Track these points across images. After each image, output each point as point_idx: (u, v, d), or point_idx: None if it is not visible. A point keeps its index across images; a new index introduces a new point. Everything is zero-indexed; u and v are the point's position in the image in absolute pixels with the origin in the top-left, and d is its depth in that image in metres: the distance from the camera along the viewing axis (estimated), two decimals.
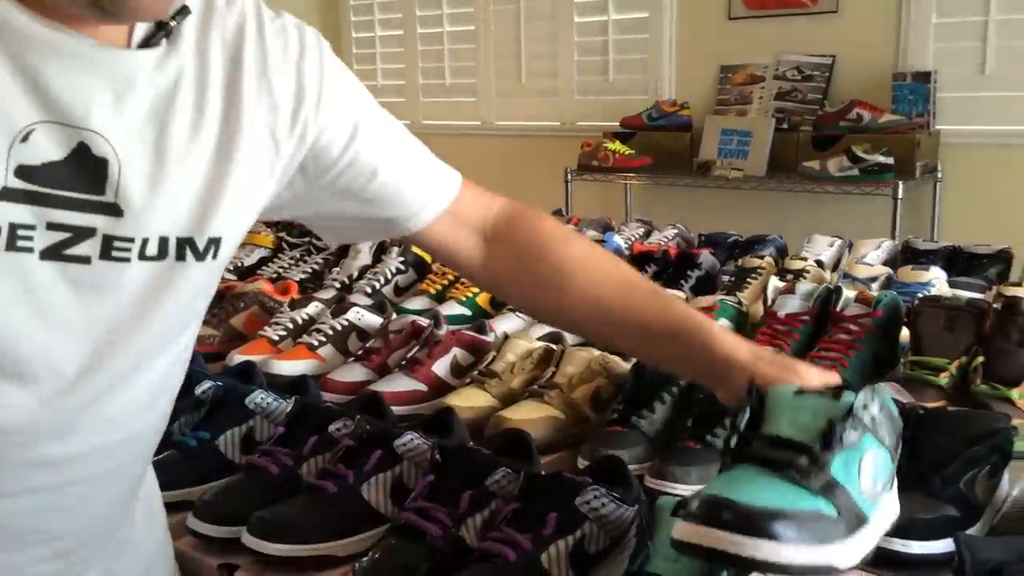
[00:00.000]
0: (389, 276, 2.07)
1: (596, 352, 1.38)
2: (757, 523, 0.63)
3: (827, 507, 0.67)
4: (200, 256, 0.78)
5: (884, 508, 0.74)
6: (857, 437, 0.72)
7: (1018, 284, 1.74)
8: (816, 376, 0.82)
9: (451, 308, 1.85)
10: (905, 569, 0.90)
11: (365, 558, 0.89)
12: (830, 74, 3.53)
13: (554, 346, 1.42)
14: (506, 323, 1.74)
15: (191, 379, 1.22)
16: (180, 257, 0.76)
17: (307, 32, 0.86)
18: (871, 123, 3.25)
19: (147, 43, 0.74)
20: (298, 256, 2.30)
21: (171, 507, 1.03)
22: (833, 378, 0.83)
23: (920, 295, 1.52)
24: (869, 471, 0.72)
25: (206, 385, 1.21)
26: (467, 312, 1.85)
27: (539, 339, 1.52)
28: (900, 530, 0.93)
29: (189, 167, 0.76)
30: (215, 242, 0.79)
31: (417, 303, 1.92)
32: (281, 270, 2.24)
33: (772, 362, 0.85)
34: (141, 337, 0.77)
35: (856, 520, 0.69)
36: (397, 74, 4.93)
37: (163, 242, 0.75)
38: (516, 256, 0.97)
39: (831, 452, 0.69)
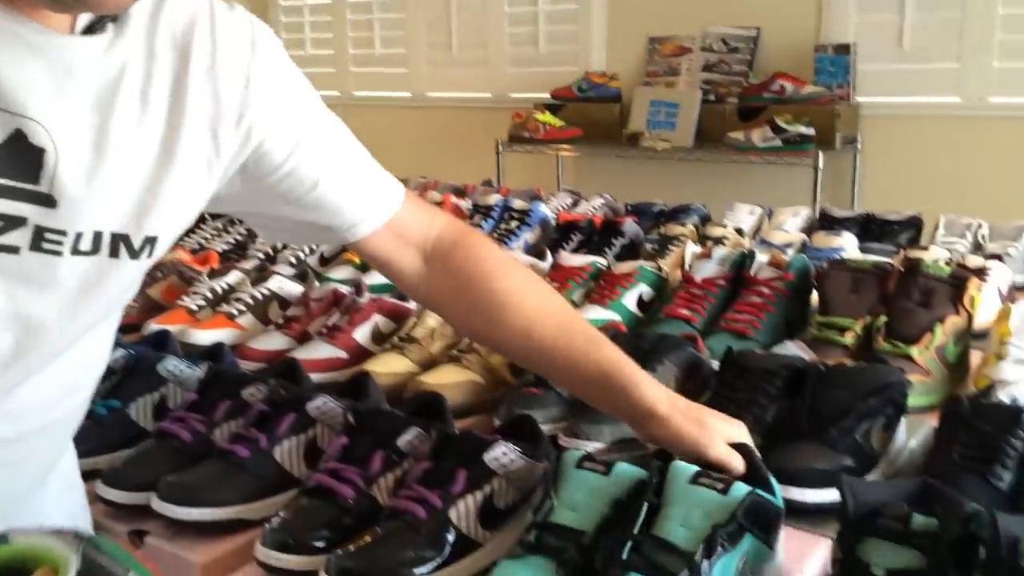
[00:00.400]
0: (314, 246, 2.05)
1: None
2: None
3: None
4: (135, 254, 0.76)
5: None
6: (737, 539, 0.75)
7: (925, 248, 1.81)
8: (722, 436, 0.88)
9: (376, 277, 1.84)
10: (802, 517, 0.93)
11: (275, 519, 0.89)
12: (755, 46, 3.58)
13: None
14: None
15: None
16: (114, 254, 0.74)
17: (260, 30, 0.83)
18: (794, 94, 3.32)
19: (92, 30, 0.71)
20: (221, 227, 2.26)
21: (83, 476, 1.02)
22: (738, 434, 0.89)
23: (829, 259, 1.57)
24: (745, 568, 0.75)
25: (117, 354, 1.19)
26: (391, 282, 1.85)
27: None
28: (798, 480, 0.98)
29: (130, 162, 0.74)
30: (151, 241, 0.77)
31: (341, 272, 1.91)
32: (204, 241, 2.21)
33: (686, 416, 0.89)
34: (65, 331, 0.75)
35: None
36: (326, 43, 4.85)
37: (97, 237, 0.73)
38: (453, 281, 0.97)
39: (711, 560, 0.73)
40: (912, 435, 1.14)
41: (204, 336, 1.50)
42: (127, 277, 0.78)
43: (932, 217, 2.11)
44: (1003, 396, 1.04)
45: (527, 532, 0.81)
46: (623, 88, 3.80)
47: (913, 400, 1.25)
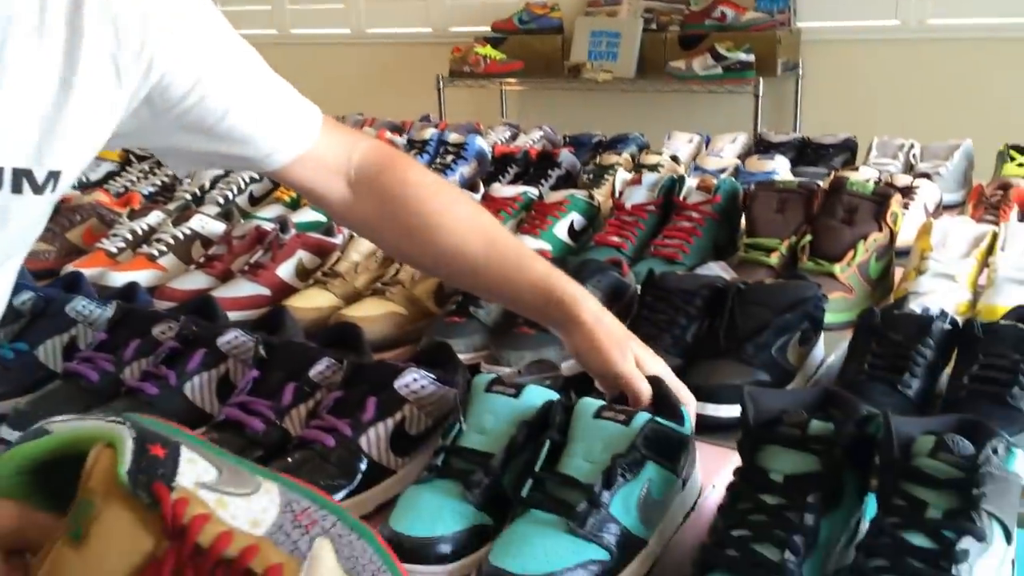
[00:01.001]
0: (243, 185, 2.00)
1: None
2: None
3: (599, 552, 0.71)
4: (38, 189, 0.74)
5: (668, 516, 0.78)
6: (638, 468, 0.75)
7: (855, 169, 1.82)
8: (637, 358, 0.89)
9: (305, 215, 1.81)
10: (718, 432, 0.94)
11: None
12: None
13: None
14: None
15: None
16: (16, 189, 0.72)
17: None
18: (734, 21, 3.29)
19: None
20: (147, 169, 2.20)
21: None
22: (654, 365, 0.89)
23: (752, 182, 1.57)
24: (649, 497, 0.75)
25: (25, 296, 1.15)
26: (323, 219, 1.81)
27: None
28: (713, 396, 0.98)
29: (27, 95, 0.71)
30: (55, 175, 0.75)
31: (270, 211, 1.87)
32: (129, 184, 2.14)
33: (609, 332, 0.90)
34: None
35: (633, 548, 0.73)
36: None
37: None
38: (381, 205, 0.96)
39: (611, 491, 0.73)
40: (832, 350, 1.15)
41: (122, 278, 1.46)
42: (31, 213, 0.76)
43: (870, 140, 2.12)
44: (915, 307, 1.05)
45: (435, 456, 0.80)
46: (565, 19, 3.73)
47: (835, 316, 1.27)
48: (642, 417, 0.77)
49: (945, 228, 1.32)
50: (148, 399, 0.96)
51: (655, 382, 0.86)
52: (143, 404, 0.95)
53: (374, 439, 0.86)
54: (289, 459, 0.85)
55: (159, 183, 2.12)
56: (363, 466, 0.85)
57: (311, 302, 1.30)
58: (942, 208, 1.76)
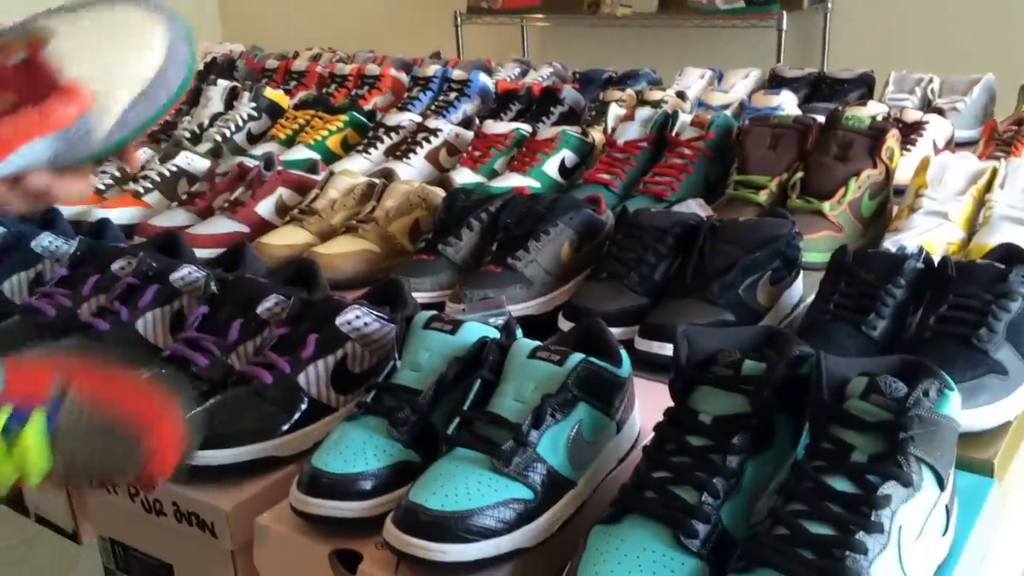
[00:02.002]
0: (240, 123, 1.99)
1: (416, 184, 1.35)
2: (444, 528, 0.65)
3: (522, 491, 0.69)
4: None
5: (600, 458, 0.75)
6: (569, 408, 0.72)
7: (863, 104, 1.74)
8: None
9: (298, 152, 1.79)
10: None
11: None
12: None
13: (377, 181, 1.38)
14: (349, 163, 1.70)
15: None
16: None
17: None
18: None
19: None
20: None
21: None
22: None
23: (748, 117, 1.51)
24: (579, 438, 0.73)
25: None
26: (315, 156, 1.79)
27: (371, 175, 1.49)
28: (669, 336, 0.95)
29: None
30: None
31: (265, 149, 1.86)
32: None
33: None
34: None
35: (559, 489, 0.71)
36: None
37: None
38: None
39: (540, 430, 0.70)
40: (813, 291, 1.11)
41: (109, 215, 1.46)
42: None
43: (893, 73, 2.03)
44: (889, 245, 1.00)
45: (366, 393, 0.79)
46: None
47: (822, 256, 1.21)
48: (576, 357, 0.74)
49: (943, 164, 1.26)
50: (99, 335, 0.95)
51: (595, 324, 0.83)
52: (94, 339, 0.95)
53: (313, 376, 0.85)
54: (227, 395, 0.84)
55: (160, 123, 2.11)
56: (303, 404, 0.84)
57: (285, 239, 1.29)
58: (955, 145, 1.69)
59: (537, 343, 0.78)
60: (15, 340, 0.98)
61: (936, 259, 0.99)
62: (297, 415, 0.83)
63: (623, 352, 0.81)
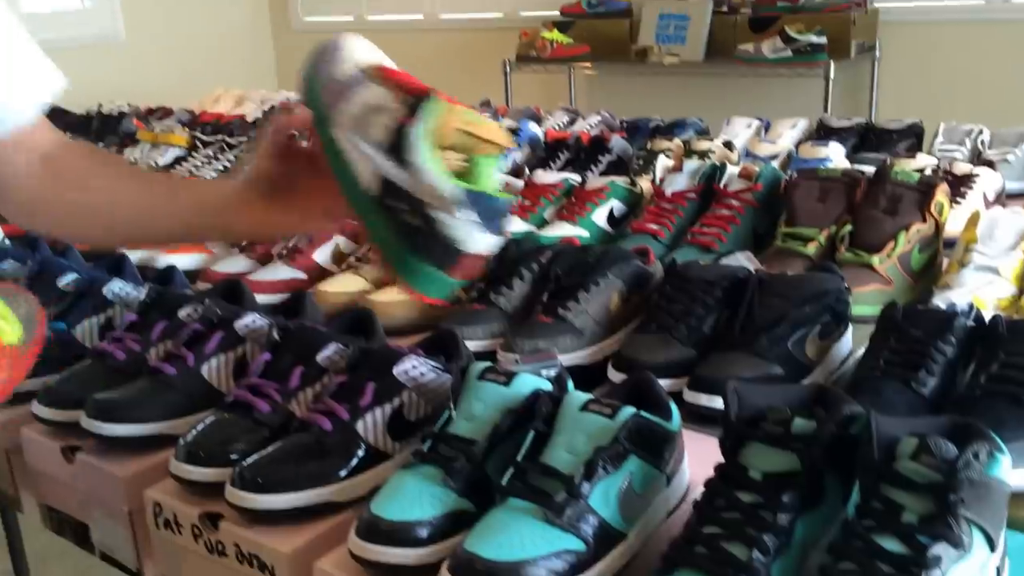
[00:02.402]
0: None
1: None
2: None
3: (574, 542, 0.71)
4: None
5: (650, 511, 0.77)
6: (620, 461, 0.74)
7: (912, 156, 1.75)
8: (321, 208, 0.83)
9: None
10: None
11: (190, 434, 0.91)
12: None
13: None
14: None
15: (55, 273, 1.23)
16: None
17: None
18: (807, 2, 3.19)
19: None
20: (211, 154, 2.27)
21: (27, 396, 1.05)
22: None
23: (796, 169, 1.52)
24: (630, 491, 0.74)
25: (69, 278, 1.21)
26: None
27: None
28: (718, 388, 0.96)
29: None
30: None
31: None
32: (194, 168, 2.22)
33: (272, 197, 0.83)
34: None
35: (609, 542, 0.73)
36: None
37: None
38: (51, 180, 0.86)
39: (591, 482, 0.72)
40: (860, 345, 1.11)
41: (170, 261, 1.51)
42: None
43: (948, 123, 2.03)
44: (939, 301, 1.01)
45: (422, 442, 0.81)
46: (634, 2, 3.68)
47: (871, 309, 1.22)
48: (627, 411, 0.76)
49: (994, 219, 1.26)
50: (167, 379, 0.99)
51: (644, 378, 0.84)
52: (162, 384, 0.99)
53: (371, 424, 0.88)
54: (288, 441, 0.87)
55: (223, 166, 2.19)
56: (360, 450, 0.86)
57: (341, 287, 1.33)
58: (1005, 197, 1.68)
59: (589, 396, 0.80)
60: (87, 382, 1.02)
61: (987, 316, 0.99)
62: (355, 461, 0.86)
63: (673, 405, 0.82)
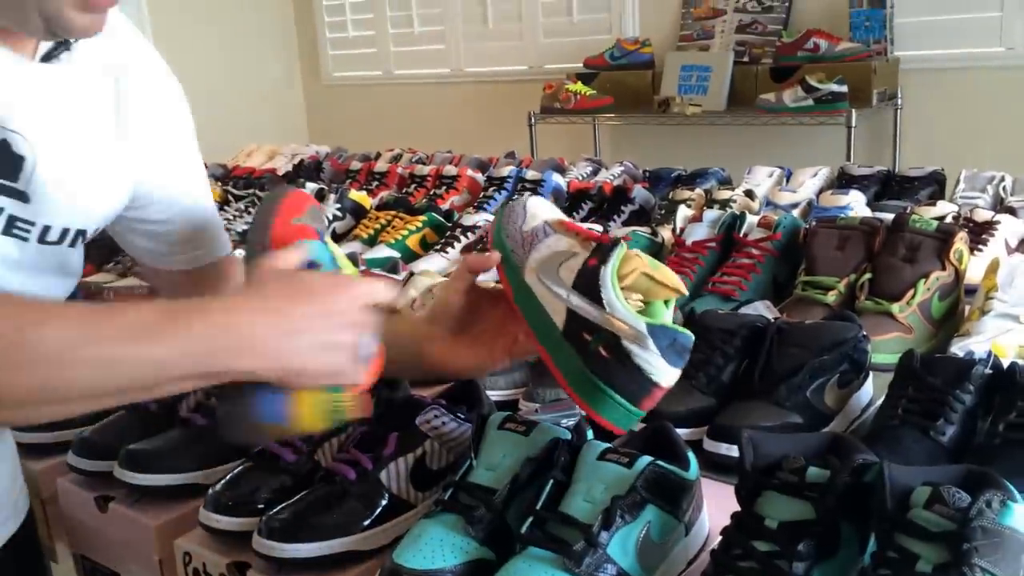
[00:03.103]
0: (326, 223, 2.10)
1: (492, 284, 1.41)
2: None
3: None
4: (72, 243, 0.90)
5: (668, 559, 0.79)
6: (638, 510, 0.75)
7: (932, 204, 1.76)
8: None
9: (380, 251, 1.88)
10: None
11: (220, 483, 0.93)
12: (789, 4, 3.49)
13: None
14: (428, 263, 1.77)
15: None
16: (72, 244, 0.89)
17: (173, 81, 0.99)
18: (828, 52, 3.22)
19: (48, 58, 0.84)
20: (243, 208, 2.33)
21: (64, 447, 1.08)
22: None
23: (816, 218, 1.54)
24: (648, 539, 0.76)
25: None
26: (396, 254, 1.88)
27: (447, 275, 1.55)
28: (737, 437, 0.97)
29: (90, 170, 0.89)
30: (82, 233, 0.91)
31: (349, 248, 1.95)
32: (226, 222, 2.27)
33: None
34: None
35: None
36: (367, 24, 4.90)
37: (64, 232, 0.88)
38: None
39: (610, 531, 0.74)
40: (883, 393, 1.12)
41: None
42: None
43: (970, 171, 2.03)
44: (957, 349, 1.01)
45: (444, 491, 0.83)
46: (656, 54, 3.74)
47: (893, 357, 1.21)
48: (644, 460, 0.77)
49: (1014, 266, 1.27)
50: (198, 431, 1.02)
51: (663, 427, 0.86)
52: (191, 435, 1.02)
53: (394, 473, 0.89)
54: (314, 490, 0.89)
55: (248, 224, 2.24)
56: (383, 500, 0.88)
57: None
58: None
59: (606, 445, 0.81)
60: (120, 433, 1.05)
61: (1006, 363, 1.00)
62: (378, 511, 0.88)
63: (691, 454, 0.83)
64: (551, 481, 0.79)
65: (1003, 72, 3.15)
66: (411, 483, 0.90)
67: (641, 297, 0.82)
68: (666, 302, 0.82)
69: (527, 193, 2.18)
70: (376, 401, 0.96)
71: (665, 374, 0.79)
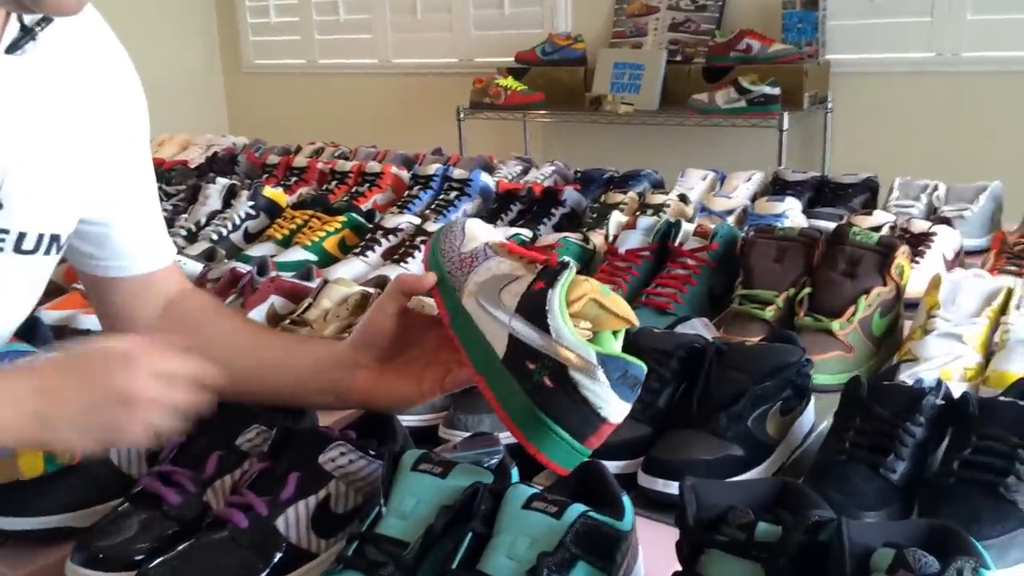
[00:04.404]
0: (238, 222, 1.97)
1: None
2: None
3: None
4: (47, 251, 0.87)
5: None
6: (567, 569, 0.67)
7: (868, 213, 1.72)
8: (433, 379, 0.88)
9: (294, 254, 1.77)
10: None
11: (91, 531, 0.81)
12: (723, 3, 3.45)
13: (372, 291, 1.34)
14: (345, 268, 1.66)
15: None
16: (47, 252, 0.86)
17: (136, 79, 0.96)
18: (760, 53, 3.20)
19: (13, 48, 0.79)
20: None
21: None
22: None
23: (753, 227, 1.48)
24: None
25: None
26: (312, 257, 1.77)
27: (364, 284, 1.45)
28: (676, 473, 0.89)
29: (59, 171, 0.85)
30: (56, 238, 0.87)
31: (261, 250, 1.83)
32: None
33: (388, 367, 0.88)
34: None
35: None
36: (291, 10, 4.72)
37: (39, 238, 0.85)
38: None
39: None
40: (826, 416, 1.05)
41: (94, 322, 1.41)
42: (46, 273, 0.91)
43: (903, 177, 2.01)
44: (906, 377, 0.95)
45: (347, 544, 0.73)
46: (589, 50, 3.67)
47: (832, 378, 1.18)
48: (574, 511, 0.69)
49: (956, 283, 1.22)
50: (71, 464, 0.90)
51: (594, 467, 0.77)
52: (66, 469, 0.90)
53: (293, 519, 0.79)
54: (200, 539, 0.78)
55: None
56: (279, 551, 0.78)
57: None
58: (963, 255, 1.66)
59: (533, 490, 0.72)
60: None
61: (954, 387, 0.94)
62: (274, 562, 0.77)
63: (625, 499, 0.75)
64: (469, 534, 0.70)
65: (932, 77, 3.17)
66: (312, 530, 0.80)
67: (590, 326, 0.75)
68: (615, 332, 0.75)
69: (462, 210, 2.08)
70: (276, 435, 0.86)
71: (614, 408, 0.72)
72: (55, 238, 0.87)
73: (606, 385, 0.71)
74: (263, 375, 0.90)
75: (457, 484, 0.74)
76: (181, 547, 0.77)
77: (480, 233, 0.83)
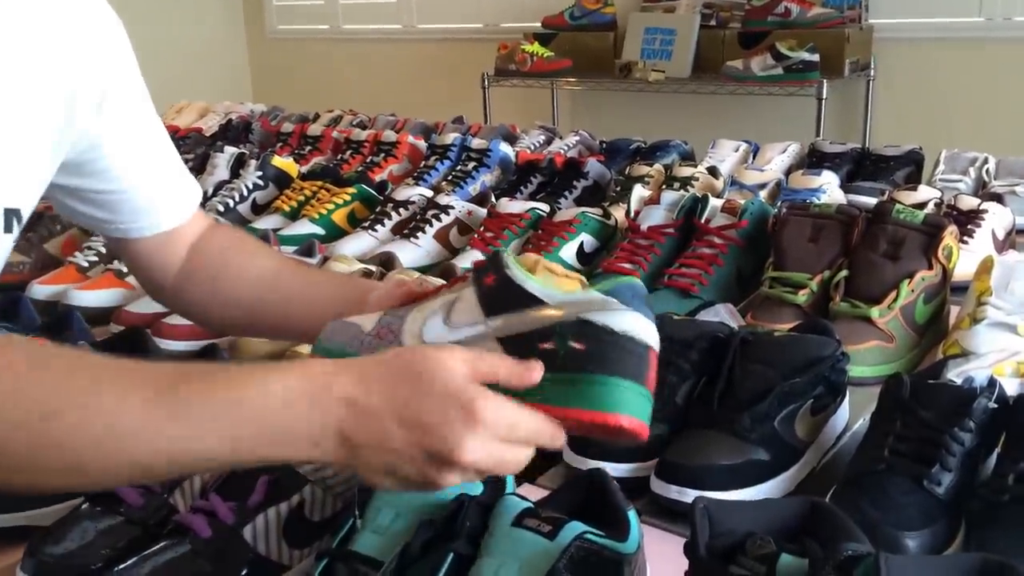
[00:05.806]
0: (245, 192, 1.89)
1: (415, 276, 1.23)
2: None
3: None
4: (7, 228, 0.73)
5: None
6: None
7: (913, 188, 1.60)
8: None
9: (301, 227, 1.69)
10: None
11: (46, 535, 0.74)
12: None
13: (373, 268, 1.26)
14: (351, 244, 1.58)
15: None
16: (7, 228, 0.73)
17: (108, 9, 0.80)
18: (800, 17, 3.04)
19: None
20: None
21: None
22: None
23: (786, 203, 1.36)
24: None
25: None
26: (319, 231, 1.69)
27: (370, 260, 1.37)
28: (694, 479, 0.81)
29: (16, 129, 0.70)
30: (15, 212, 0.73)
31: (269, 222, 1.75)
32: None
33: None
34: None
35: None
36: None
37: None
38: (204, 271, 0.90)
39: None
40: (862, 413, 0.96)
41: (87, 297, 1.35)
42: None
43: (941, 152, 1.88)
44: (954, 375, 0.85)
45: (316, 561, 0.65)
46: (619, 14, 3.53)
47: (870, 370, 1.08)
48: (571, 530, 0.60)
49: (1009, 266, 1.10)
50: None
51: (597, 476, 0.69)
52: None
53: (261, 528, 0.71)
54: (158, 548, 0.71)
55: None
56: (244, 564, 0.70)
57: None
58: (1016, 235, 1.53)
59: (526, 505, 0.64)
60: None
61: (1008, 385, 0.84)
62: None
63: (631, 515, 0.66)
64: (451, 555, 0.61)
65: (981, 44, 3.00)
66: (283, 539, 0.72)
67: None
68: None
69: (480, 182, 1.98)
70: None
71: (648, 330, 0.63)
72: (13, 212, 0.78)
73: (628, 311, 0.62)
74: (288, 310, 0.85)
75: (441, 495, 0.66)
76: (133, 560, 0.69)
77: (362, 318, 0.71)
